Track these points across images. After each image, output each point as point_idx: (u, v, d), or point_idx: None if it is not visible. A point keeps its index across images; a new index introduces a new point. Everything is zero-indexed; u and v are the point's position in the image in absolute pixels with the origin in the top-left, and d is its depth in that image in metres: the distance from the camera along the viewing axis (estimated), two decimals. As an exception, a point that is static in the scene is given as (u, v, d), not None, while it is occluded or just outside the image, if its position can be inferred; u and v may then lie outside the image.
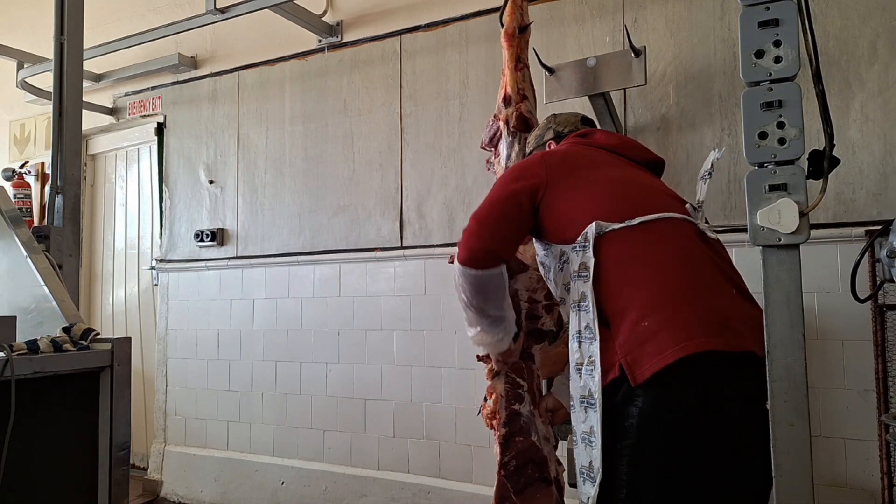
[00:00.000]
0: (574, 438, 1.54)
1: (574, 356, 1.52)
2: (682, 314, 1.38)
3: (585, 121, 2.07)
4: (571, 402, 1.55)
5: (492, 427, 2.06)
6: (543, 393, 2.15)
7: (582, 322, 1.50)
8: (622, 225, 1.50)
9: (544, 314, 2.11)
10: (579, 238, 1.54)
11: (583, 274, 1.51)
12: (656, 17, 2.88)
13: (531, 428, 2.03)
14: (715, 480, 1.34)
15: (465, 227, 1.69)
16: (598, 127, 2.24)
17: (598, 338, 1.44)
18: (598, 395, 1.41)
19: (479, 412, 2.12)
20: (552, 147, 1.94)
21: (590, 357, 1.46)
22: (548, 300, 2.12)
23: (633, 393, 1.37)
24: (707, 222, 1.63)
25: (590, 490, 1.42)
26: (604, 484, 1.40)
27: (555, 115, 2.09)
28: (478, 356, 2.12)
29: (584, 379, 1.47)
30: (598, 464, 1.40)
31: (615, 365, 1.40)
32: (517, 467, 2.00)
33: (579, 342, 1.51)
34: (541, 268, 1.76)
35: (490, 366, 2.09)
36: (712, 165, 1.64)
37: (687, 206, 1.62)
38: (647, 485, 1.38)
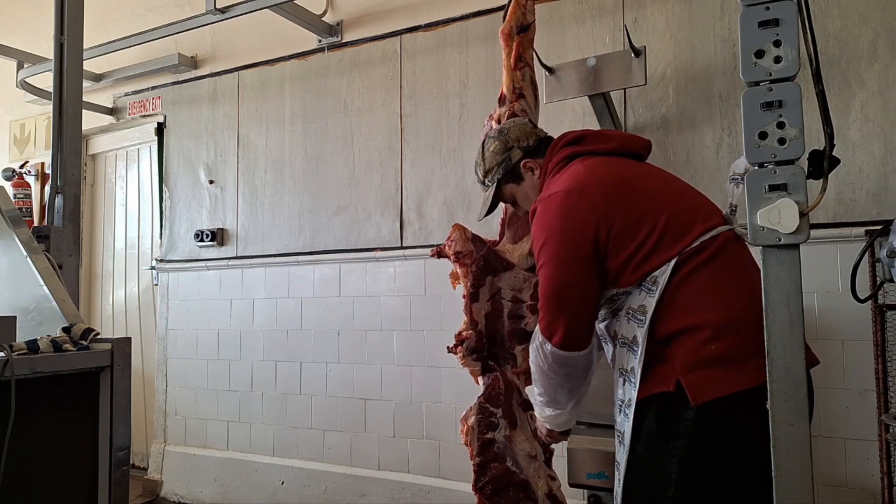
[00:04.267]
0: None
1: (617, 390, 1.59)
2: (754, 340, 1.34)
3: (533, 124, 1.97)
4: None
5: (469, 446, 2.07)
6: (524, 397, 2.12)
7: (628, 363, 1.53)
8: (689, 248, 1.50)
9: (529, 314, 2.08)
10: (647, 280, 1.51)
11: (638, 317, 1.51)
12: (656, 17, 2.88)
13: (506, 454, 2.02)
14: (763, 491, 1.36)
15: (544, 305, 1.60)
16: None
17: (637, 385, 1.48)
18: (628, 436, 1.50)
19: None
20: (529, 165, 1.81)
21: (628, 399, 1.52)
22: (533, 300, 2.09)
23: (680, 406, 1.43)
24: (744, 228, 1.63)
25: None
26: (651, 482, 1.47)
27: (500, 130, 1.89)
28: (448, 347, 2.09)
29: (621, 418, 1.56)
30: (618, 500, 1.53)
31: (670, 380, 1.44)
32: (495, 491, 2.01)
33: (623, 381, 1.55)
34: None
35: (474, 369, 2.08)
36: (746, 169, 1.61)
37: (723, 213, 1.62)
38: (695, 485, 1.42)
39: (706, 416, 1.40)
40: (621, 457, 1.54)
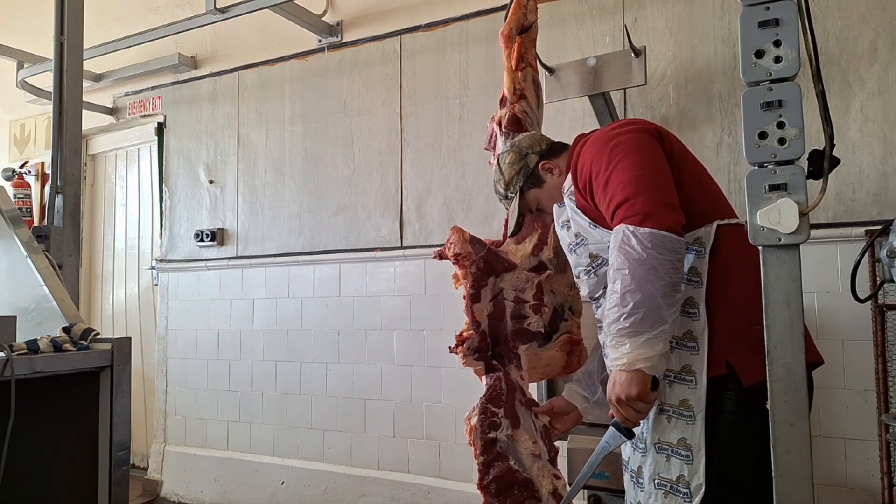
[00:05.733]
0: (641, 445, 1.55)
1: None
2: None
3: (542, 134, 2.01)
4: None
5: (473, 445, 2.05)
6: (528, 396, 2.11)
7: (680, 327, 1.48)
8: (725, 222, 1.52)
9: (532, 314, 2.07)
10: (689, 239, 1.50)
11: (693, 279, 1.49)
12: (656, 17, 2.88)
13: (509, 453, 2.01)
14: None
15: (632, 190, 1.43)
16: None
17: (703, 349, 1.43)
18: (699, 409, 1.43)
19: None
20: (547, 167, 1.80)
21: (686, 366, 1.46)
22: (536, 300, 2.08)
23: (727, 387, 1.42)
24: None
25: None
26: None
27: (511, 144, 1.90)
28: (450, 347, 2.07)
29: (677, 387, 1.47)
30: (699, 481, 1.41)
31: (720, 362, 1.43)
32: (499, 489, 2.00)
33: (671, 348, 1.48)
34: (585, 258, 1.66)
35: (478, 369, 2.07)
36: None
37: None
38: (740, 476, 1.41)
39: (750, 398, 1.39)
40: (685, 431, 1.42)
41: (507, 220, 2.25)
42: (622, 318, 1.39)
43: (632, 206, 1.41)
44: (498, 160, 1.91)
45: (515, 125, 2.23)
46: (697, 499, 1.40)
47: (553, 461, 2.10)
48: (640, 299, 1.37)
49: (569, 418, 1.97)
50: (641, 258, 1.36)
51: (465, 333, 2.05)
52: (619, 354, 1.40)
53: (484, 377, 2.11)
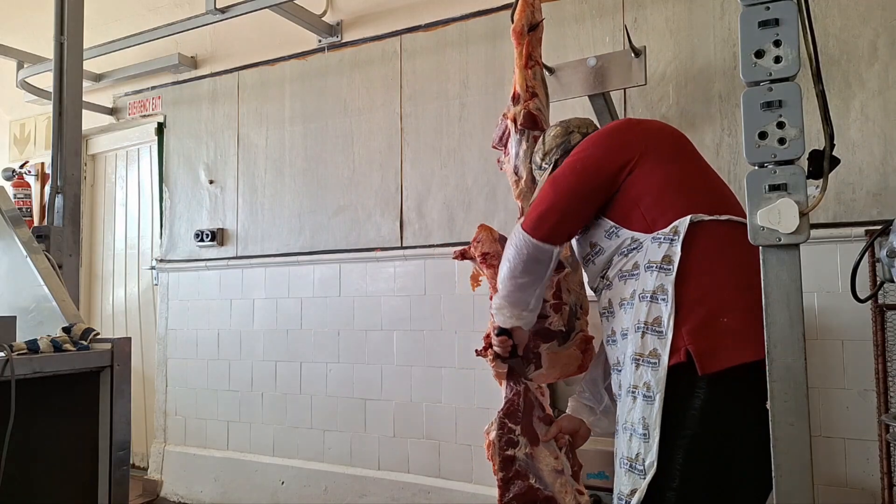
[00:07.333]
0: (615, 428, 1.58)
1: (631, 346, 1.53)
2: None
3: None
4: (619, 392, 1.59)
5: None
6: (547, 412, 2.10)
7: (651, 314, 1.50)
8: (711, 218, 1.53)
9: (552, 313, 2.06)
10: (667, 230, 1.52)
11: (665, 266, 1.50)
12: (656, 17, 2.88)
13: (529, 471, 1.98)
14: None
15: (541, 190, 1.69)
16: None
17: (668, 334, 1.45)
18: (658, 389, 1.44)
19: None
20: None
21: (653, 350, 1.48)
22: (556, 299, 2.07)
23: (695, 383, 1.41)
24: None
25: (637, 482, 1.45)
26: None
27: (564, 121, 1.99)
28: (477, 350, 2.07)
29: (643, 370, 1.49)
30: (651, 458, 1.43)
31: (680, 350, 1.43)
32: None
33: (643, 334, 1.50)
34: (586, 247, 1.71)
35: (496, 368, 2.05)
36: None
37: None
38: (701, 476, 1.42)
39: (716, 389, 1.40)
40: (645, 410, 1.46)
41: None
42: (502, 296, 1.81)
43: (539, 199, 1.70)
44: (544, 132, 2.00)
45: (531, 122, 2.22)
46: (650, 475, 1.42)
47: (577, 476, 2.08)
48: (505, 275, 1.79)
49: (578, 435, 1.97)
50: (513, 244, 1.72)
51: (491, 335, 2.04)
52: (499, 317, 1.87)
53: (503, 383, 2.09)
